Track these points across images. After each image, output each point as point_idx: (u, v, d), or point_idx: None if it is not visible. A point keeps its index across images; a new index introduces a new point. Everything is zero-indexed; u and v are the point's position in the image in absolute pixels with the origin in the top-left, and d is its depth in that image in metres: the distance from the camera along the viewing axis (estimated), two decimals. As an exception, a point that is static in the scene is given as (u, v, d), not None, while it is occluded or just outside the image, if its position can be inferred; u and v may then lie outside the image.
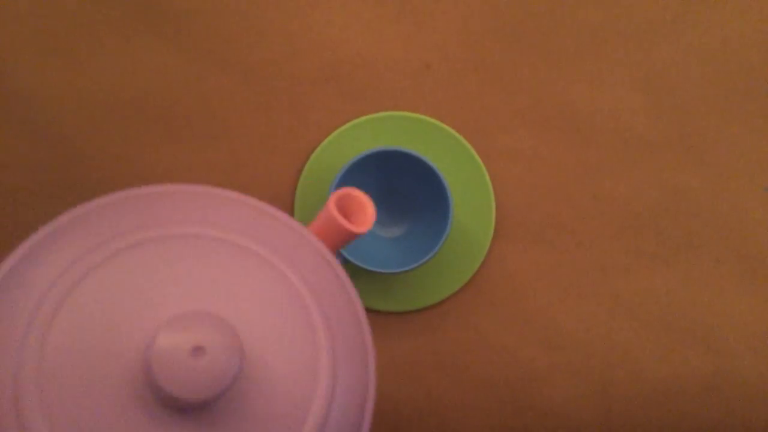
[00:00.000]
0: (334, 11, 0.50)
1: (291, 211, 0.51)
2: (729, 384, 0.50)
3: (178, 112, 0.51)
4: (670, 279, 0.50)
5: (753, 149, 0.50)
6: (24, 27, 0.51)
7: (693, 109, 0.50)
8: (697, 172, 0.50)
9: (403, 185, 0.50)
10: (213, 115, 0.51)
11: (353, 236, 0.30)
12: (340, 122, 0.51)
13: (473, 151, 0.50)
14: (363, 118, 0.50)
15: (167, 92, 0.51)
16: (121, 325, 0.23)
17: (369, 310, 0.51)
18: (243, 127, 0.51)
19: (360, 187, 0.50)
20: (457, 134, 0.50)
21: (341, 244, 0.31)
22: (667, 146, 0.50)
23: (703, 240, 0.50)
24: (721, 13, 0.50)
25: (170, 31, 0.51)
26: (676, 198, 0.50)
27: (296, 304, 0.26)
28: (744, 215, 0.50)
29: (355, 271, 0.51)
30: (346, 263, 0.49)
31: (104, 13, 0.51)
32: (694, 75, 0.50)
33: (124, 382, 0.23)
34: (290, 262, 0.27)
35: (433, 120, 0.50)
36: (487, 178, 0.50)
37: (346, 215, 0.32)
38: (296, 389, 0.25)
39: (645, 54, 0.50)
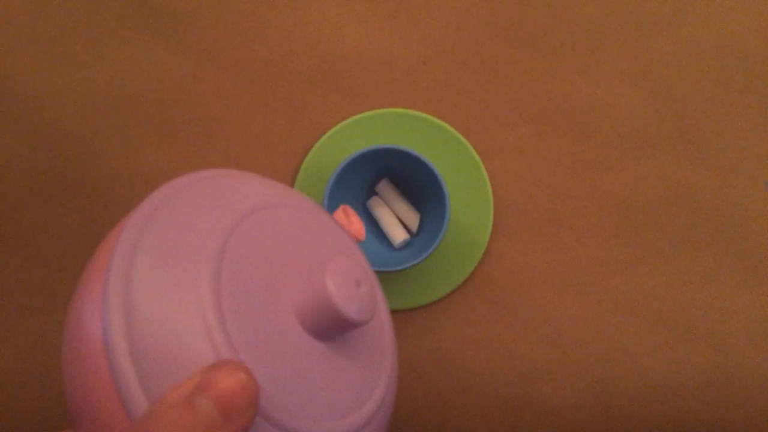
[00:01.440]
0: (330, 8, 0.50)
1: (289, 210, 0.51)
2: (730, 380, 0.50)
3: (176, 111, 0.51)
4: (669, 275, 0.50)
5: (753, 144, 0.50)
6: (21, 28, 0.51)
7: (692, 103, 0.50)
8: (696, 167, 0.50)
9: (400, 183, 0.50)
10: (210, 113, 0.51)
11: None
12: (336, 120, 0.51)
13: (471, 148, 0.50)
14: (360, 116, 0.50)
15: (164, 91, 0.51)
16: (273, 273, 0.28)
17: (367, 308, 0.51)
18: (240, 126, 0.51)
19: (357, 184, 0.50)
20: (454, 131, 0.50)
21: None
22: (665, 141, 0.50)
23: (702, 235, 0.50)
24: (720, 6, 0.49)
25: (167, 31, 0.51)
26: (675, 193, 0.50)
27: (366, 269, 0.33)
28: (744, 210, 0.50)
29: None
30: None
31: (101, 14, 0.51)
32: (692, 69, 0.50)
33: (282, 319, 0.28)
34: (343, 229, 0.35)
35: (430, 117, 0.50)
36: (485, 174, 0.50)
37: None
38: (376, 325, 0.32)
39: (643, 48, 0.50)
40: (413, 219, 0.50)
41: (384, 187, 0.50)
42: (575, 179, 0.50)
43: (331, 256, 0.29)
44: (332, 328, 0.28)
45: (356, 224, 0.37)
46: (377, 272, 0.49)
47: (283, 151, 0.51)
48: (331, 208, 0.47)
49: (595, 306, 0.50)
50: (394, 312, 0.51)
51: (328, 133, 0.50)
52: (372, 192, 0.51)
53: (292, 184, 0.51)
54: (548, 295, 0.51)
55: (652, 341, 0.50)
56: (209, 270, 0.26)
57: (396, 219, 0.50)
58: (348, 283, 0.28)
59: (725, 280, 0.50)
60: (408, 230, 0.51)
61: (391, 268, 0.47)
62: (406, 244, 0.50)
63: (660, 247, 0.50)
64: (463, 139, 0.50)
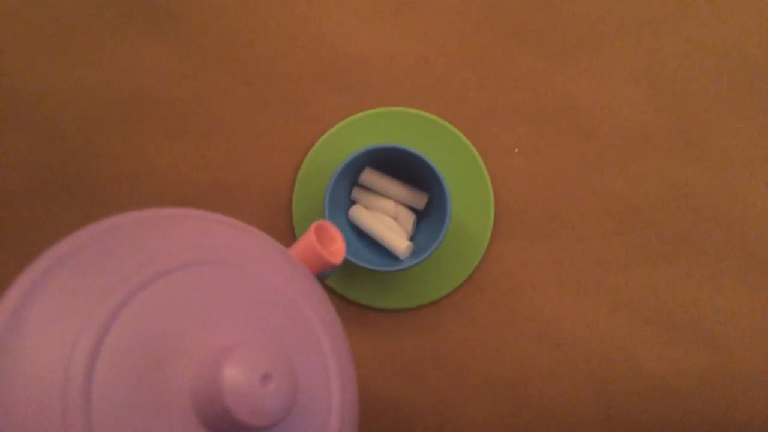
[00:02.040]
0: (332, 6, 0.50)
1: (288, 209, 0.51)
2: (730, 380, 0.50)
3: (176, 109, 0.51)
4: (670, 275, 0.50)
5: (754, 144, 0.50)
6: (20, 27, 0.50)
7: (694, 102, 0.50)
8: (697, 167, 0.50)
9: (401, 182, 0.50)
10: (210, 112, 0.51)
11: (328, 266, 0.32)
12: (337, 118, 0.51)
13: (472, 147, 0.50)
14: (360, 114, 0.50)
15: (164, 90, 0.51)
16: (168, 353, 0.23)
17: (368, 308, 0.51)
18: (240, 124, 0.51)
19: (357, 183, 0.50)
20: (455, 130, 0.50)
21: (315, 273, 0.32)
22: (667, 141, 0.50)
23: (704, 235, 0.50)
24: (722, 5, 0.49)
25: (167, 29, 0.50)
26: (676, 193, 0.50)
27: (307, 326, 0.28)
28: (745, 210, 0.50)
29: (354, 269, 0.50)
30: (345, 262, 0.49)
31: (101, 12, 0.50)
32: (694, 68, 0.50)
33: (173, 409, 0.23)
34: (293, 283, 0.28)
35: (431, 115, 0.50)
36: (486, 174, 0.50)
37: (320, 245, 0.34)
38: (316, 408, 0.26)
39: (645, 47, 0.50)
40: (419, 198, 0.48)
41: (369, 176, 0.48)
42: (576, 178, 0.50)
43: (244, 337, 0.24)
44: (229, 428, 0.23)
45: (337, 243, 0.32)
46: (377, 272, 0.49)
47: (284, 150, 0.51)
48: (332, 207, 0.47)
49: (595, 306, 0.50)
50: (395, 312, 0.51)
51: (329, 132, 0.50)
52: (362, 188, 0.50)
53: (292, 183, 0.51)
54: (548, 294, 0.51)
55: (652, 341, 0.50)
56: (86, 349, 0.22)
57: (388, 224, 0.49)
58: (251, 378, 0.22)
59: (725, 280, 0.50)
60: (415, 210, 0.50)
61: (391, 268, 0.47)
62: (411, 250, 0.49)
63: (660, 247, 0.50)
64: (464, 137, 0.50)
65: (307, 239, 0.31)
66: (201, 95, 0.51)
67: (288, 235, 0.51)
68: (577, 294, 0.50)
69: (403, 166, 0.49)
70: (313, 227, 0.32)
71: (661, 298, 0.50)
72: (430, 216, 0.49)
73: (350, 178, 0.49)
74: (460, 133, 0.50)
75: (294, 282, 0.28)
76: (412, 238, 0.50)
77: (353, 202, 0.50)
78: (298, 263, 0.31)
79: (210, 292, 0.25)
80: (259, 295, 0.26)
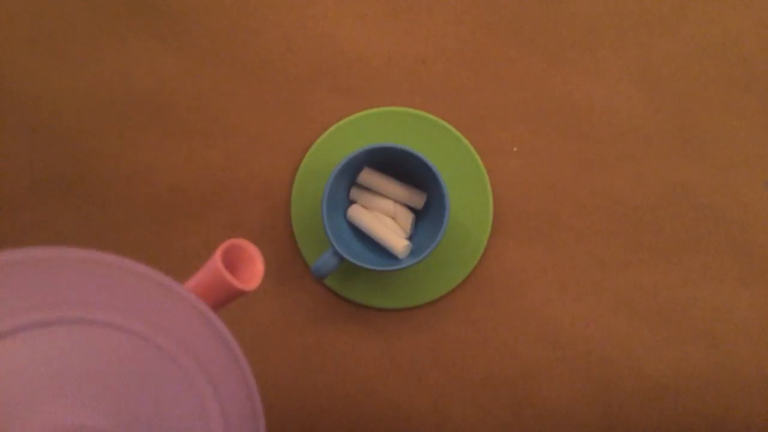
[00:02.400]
0: (329, 7, 0.50)
1: (287, 209, 0.51)
2: (729, 379, 0.50)
3: (174, 111, 0.51)
4: (669, 274, 0.50)
5: (753, 143, 0.50)
6: (20, 29, 0.51)
7: (692, 102, 0.50)
8: (696, 166, 0.50)
9: (399, 182, 0.50)
10: (209, 113, 0.51)
11: (240, 294, 0.27)
12: (336, 118, 0.51)
13: (470, 147, 0.50)
14: (359, 114, 0.50)
15: (163, 91, 0.51)
16: (9, 422, 0.20)
17: (367, 308, 0.51)
18: (239, 125, 0.51)
19: (355, 183, 0.50)
20: (453, 129, 0.50)
21: (225, 303, 0.28)
22: (665, 140, 0.50)
23: (702, 234, 0.50)
24: (721, 4, 0.49)
25: (165, 31, 0.51)
26: (675, 192, 0.50)
27: (189, 391, 0.24)
28: (744, 209, 0.50)
29: (352, 269, 0.50)
30: (344, 262, 0.48)
31: (100, 14, 0.51)
32: (692, 68, 0.50)
33: None
34: (174, 337, 0.24)
35: (429, 115, 0.50)
36: (485, 173, 0.50)
37: (233, 267, 0.29)
38: None
39: (643, 47, 0.50)
40: (418, 198, 0.48)
41: (368, 176, 0.48)
42: (574, 178, 0.50)
43: (93, 417, 0.21)
44: None
45: (257, 265, 0.27)
46: (376, 271, 0.49)
47: (283, 150, 0.51)
48: (330, 207, 0.47)
49: (594, 305, 0.50)
50: (394, 312, 0.51)
51: (328, 132, 0.50)
52: (359, 188, 0.50)
53: (291, 184, 0.51)
54: (547, 294, 0.51)
55: (651, 340, 0.50)
56: None
57: (387, 224, 0.49)
58: None
59: (724, 279, 0.50)
60: (413, 210, 0.50)
61: (389, 267, 0.47)
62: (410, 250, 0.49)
63: (659, 247, 0.50)
64: (462, 137, 0.50)
65: (211, 267, 0.26)
66: (200, 96, 0.51)
67: (286, 236, 0.51)
68: (577, 294, 0.50)
69: (402, 166, 0.49)
70: (219, 251, 0.27)
71: (660, 297, 0.50)
72: (428, 215, 0.49)
73: (349, 178, 0.49)
74: (458, 133, 0.50)
75: (172, 333, 0.24)
76: (410, 238, 0.50)
77: (352, 202, 0.50)
78: (191, 301, 0.26)
79: (64, 357, 0.21)
80: (124, 361, 0.22)
